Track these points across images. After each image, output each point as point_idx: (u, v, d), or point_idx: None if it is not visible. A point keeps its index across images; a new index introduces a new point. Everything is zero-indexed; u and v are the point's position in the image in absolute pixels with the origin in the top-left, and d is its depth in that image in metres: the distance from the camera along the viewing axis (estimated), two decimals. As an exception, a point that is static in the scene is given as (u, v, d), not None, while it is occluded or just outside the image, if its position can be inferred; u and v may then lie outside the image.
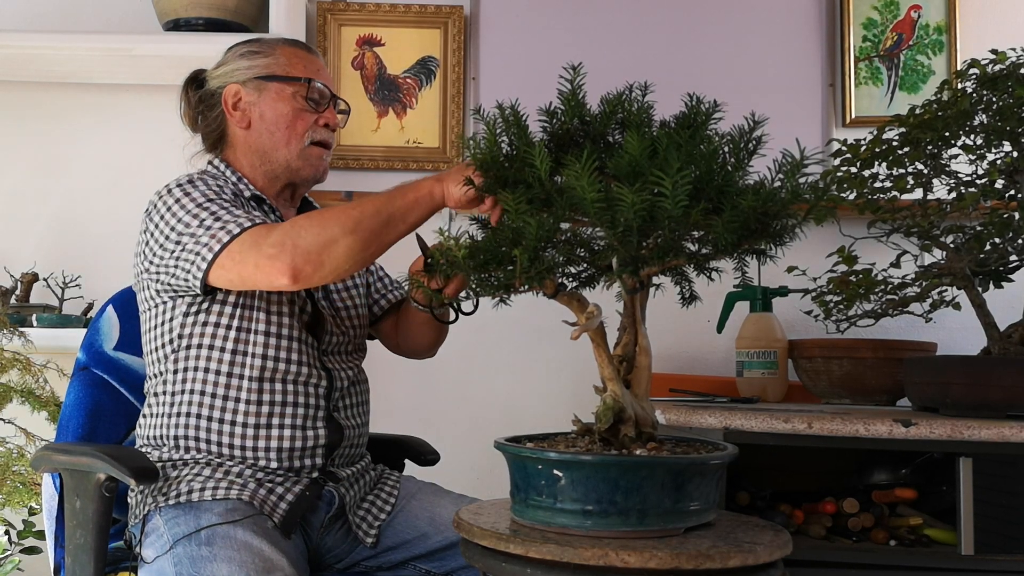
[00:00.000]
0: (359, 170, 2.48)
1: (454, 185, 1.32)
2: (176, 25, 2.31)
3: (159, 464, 1.44)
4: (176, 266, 1.38)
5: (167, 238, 1.39)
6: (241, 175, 1.53)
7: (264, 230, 1.32)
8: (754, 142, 1.16)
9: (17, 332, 2.07)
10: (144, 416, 1.51)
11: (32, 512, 2.15)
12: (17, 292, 2.37)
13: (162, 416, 1.46)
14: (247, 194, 1.51)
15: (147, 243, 1.43)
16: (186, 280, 1.37)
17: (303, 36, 2.45)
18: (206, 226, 1.35)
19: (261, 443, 1.43)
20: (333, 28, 2.49)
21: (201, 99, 1.57)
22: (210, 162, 1.57)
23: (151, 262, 1.42)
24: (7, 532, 2.16)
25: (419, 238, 1.48)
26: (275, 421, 1.43)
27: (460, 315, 1.52)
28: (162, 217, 1.41)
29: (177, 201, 1.40)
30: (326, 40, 2.48)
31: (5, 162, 2.48)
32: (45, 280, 2.40)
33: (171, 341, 1.45)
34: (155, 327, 1.47)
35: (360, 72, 2.49)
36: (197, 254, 1.34)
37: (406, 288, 1.69)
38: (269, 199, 1.54)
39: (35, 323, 2.25)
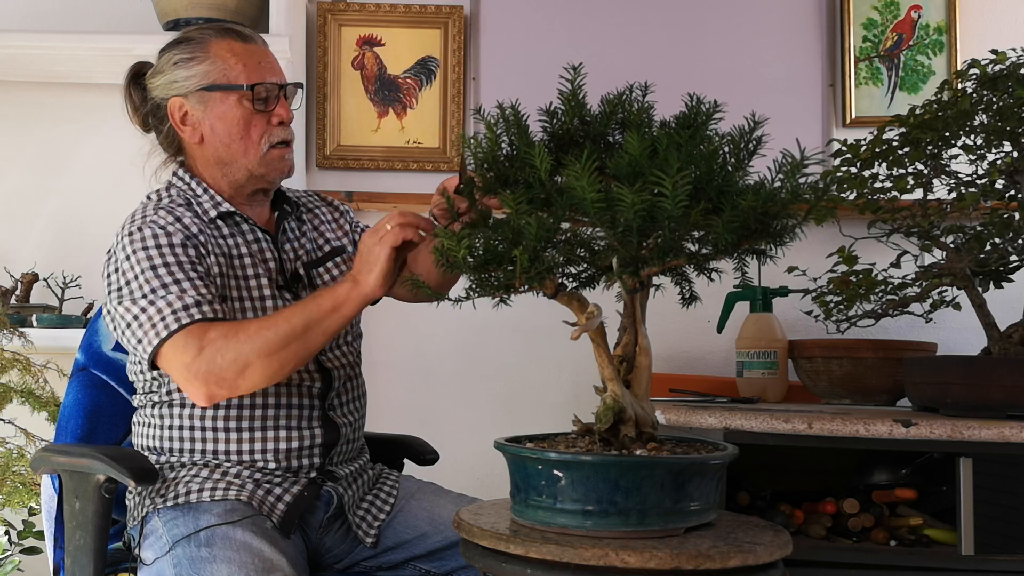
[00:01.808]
0: (359, 170, 2.48)
1: (368, 275, 1.31)
2: (176, 25, 2.30)
3: (157, 466, 1.44)
4: (123, 337, 1.38)
5: (119, 301, 1.37)
6: (207, 186, 1.50)
7: (194, 338, 1.30)
8: (754, 142, 1.16)
9: (17, 332, 2.06)
10: (136, 425, 1.51)
11: (32, 512, 2.14)
12: (17, 292, 2.37)
13: (154, 427, 1.46)
14: (212, 214, 1.47)
15: (107, 289, 1.41)
16: (134, 353, 1.38)
17: (303, 36, 2.45)
18: (147, 314, 1.33)
19: (257, 445, 1.42)
20: (333, 28, 2.49)
21: (148, 105, 1.52)
22: (175, 172, 1.53)
23: (108, 311, 1.41)
24: (7, 532, 2.16)
25: (462, 160, 1.40)
26: (270, 424, 1.43)
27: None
28: (117, 269, 1.39)
29: (128, 259, 1.38)
30: (326, 40, 2.48)
31: (5, 162, 2.48)
32: (45, 280, 2.40)
33: None
34: None
35: (360, 72, 2.49)
36: (139, 341, 1.34)
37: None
38: (238, 206, 1.50)
39: (35, 323, 2.24)
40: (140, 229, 1.40)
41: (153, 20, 2.38)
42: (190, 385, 1.31)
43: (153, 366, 1.36)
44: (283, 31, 2.22)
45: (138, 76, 1.54)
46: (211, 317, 1.33)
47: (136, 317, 1.35)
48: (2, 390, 2.00)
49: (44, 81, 2.44)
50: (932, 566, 1.62)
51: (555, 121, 1.21)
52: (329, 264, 1.59)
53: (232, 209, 1.49)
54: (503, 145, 1.18)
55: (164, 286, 1.35)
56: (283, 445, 1.43)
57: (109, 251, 1.44)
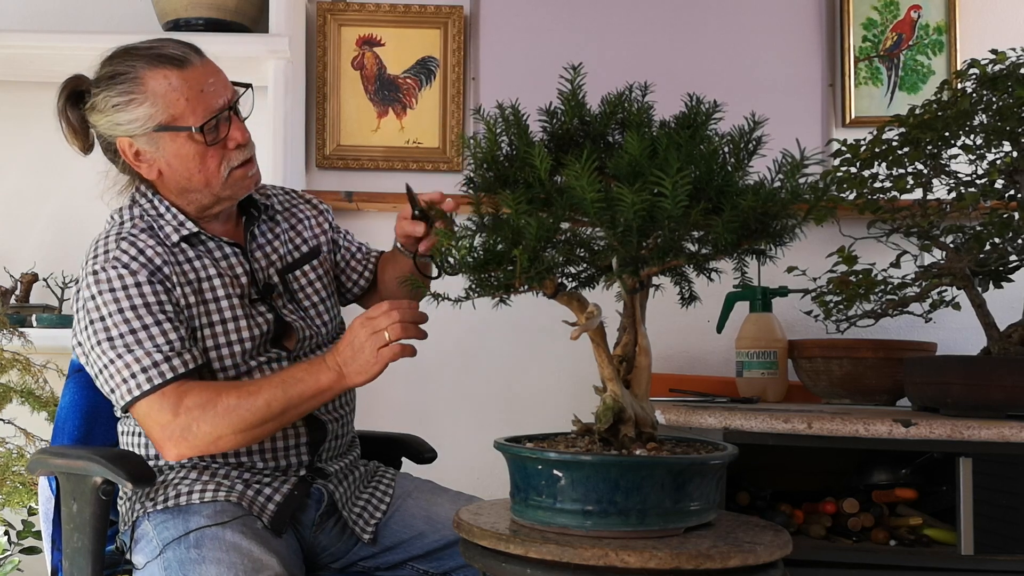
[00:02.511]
0: (359, 170, 2.48)
1: (356, 376, 1.33)
2: (176, 25, 2.31)
3: None
4: (96, 379, 1.38)
5: (90, 341, 1.36)
6: (169, 204, 1.45)
7: (169, 402, 1.31)
8: (754, 142, 1.16)
9: (17, 332, 2.07)
10: (122, 435, 1.50)
11: (32, 512, 2.15)
12: (17, 292, 2.37)
13: (139, 435, 1.45)
14: (174, 238, 1.43)
15: (76, 321, 1.40)
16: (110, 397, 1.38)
17: (303, 36, 2.45)
18: (117, 365, 1.33)
19: (243, 447, 1.41)
20: (333, 28, 2.49)
21: (91, 131, 1.46)
22: (138, 189, 1.48)
23: (80, 343, 1.40)
24: (7, 532, 2.16)
25: (408, 188, 1.42)
26: None
27: (443, 273, 1.49)
28: (84, 306, 1.38)
29: (94, 299, 1.36)
30: (326, 40, 2.48)
31: (5, 162, 2.48)
32: (45, 280, 2.40)
33: None
34: None
35: (360, 72, 2.49)
36: (112, 391, 1.35)
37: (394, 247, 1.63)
38: (204, 224, 1.47)
39: (35, 323, 2.25)
40: (104, 270, 1.37)
41: (153, 20, 2.38)
42: (162, 444, 1.33)
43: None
44: (283, 31, 2.22)
45: (75, 96, 1.46)
46: (183, 372, 1.34)
47: (107, 366, 1.34)
48: (2, 390, 2.00)
49: (44, 81, 2.44)
50: (932, 566, 1.62)
51: (555, 121, 1.21)
52: (306, 267, 1.57)
53: (195, 230, 1.45)
54: (503, 145, 1.18)
55: (133, 331, 1.34)
56: (268, 444, 1.43)
57: (78, 282, 1.42)
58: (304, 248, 1.59)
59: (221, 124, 1.41)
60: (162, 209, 1.46)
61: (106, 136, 1.44)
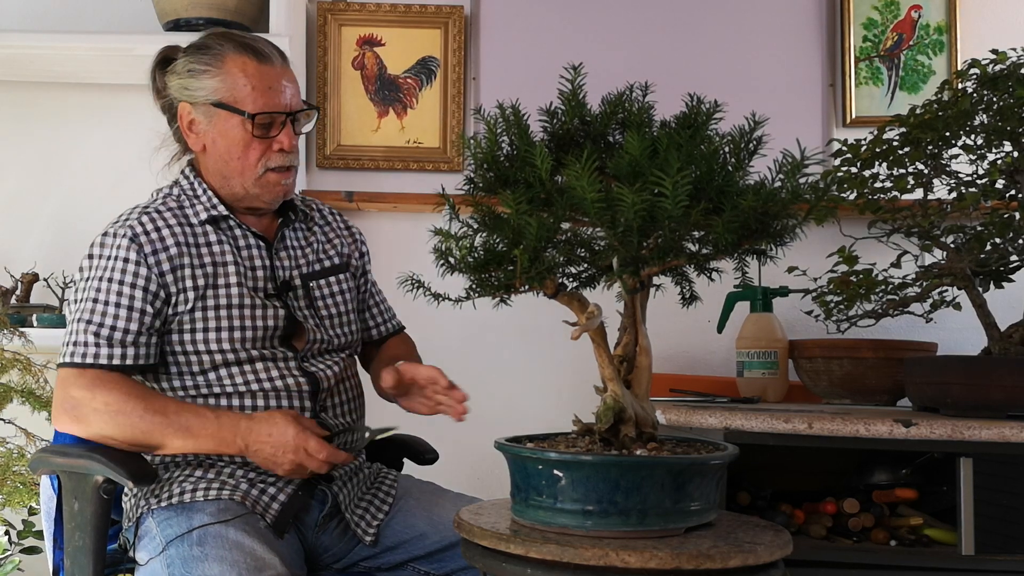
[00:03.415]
0: (359, 170, 2.48)
1: (259, 462, 1.38)
2: (176, 25, 2.31)
3: (152, 465, 1.44)
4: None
5: (75, 294, 1.46)
6: (207, 187, 1.51)
7: (84, 383, 1.37)
8: (754, 142, 1.16)
9: (17, 332, 2.07)
10: None
11: (32, 512, 2.15)
12: (17, 292, 2.37)
13: None
14: (203, 216, 1.48)
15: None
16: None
17: (303, 36, 2.45)
18: (72, 328, 1.41)
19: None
20: (333, 28, 2.49)
21: (167, 97, 1.53)
22: (183, 171, 1.55)
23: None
24: (7, 532, 2.16)
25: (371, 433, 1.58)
26: None
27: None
28: (86, 258, 1.46)
29: (89, 259, 1.45)
30: (326, 40, 2.48)
31: (5, 162, 2.48)
32: (45, 280, 2.40)
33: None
34: None
35: (360, 72, 2.49)
36: (63, 344, 1.42)
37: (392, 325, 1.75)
38: (236, 211, 1.52)
39: (35, 323, 2.24)
40: (111, 235, 1.44)
41: (153, 20, 2.38)
42: (59, 414, 1.39)
43: None
44: (283, 31, 2.22)
45: (165, 62, 1.54)
46: (115, 364, 1.38)
47: (69, 323, 1.43)
48: (2, 390, 2.00)
49: (44, 81, 2.44)
50: (932, 566, 1.62)
51: (555, 121, 1.21)
52: (331, 279, 1.59)
53: (225, 213, 1.49)
54: (503, 145, 1.18)
55: (95, 301, 1.41)
56: None
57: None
58: (334, 261, 1.61)
59: (275, 125, 1.47)
60: (199, 191, 1.51)
61: (173, 98, 1.51)
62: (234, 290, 1.46)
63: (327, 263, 1.60)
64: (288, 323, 1.48)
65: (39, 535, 2.13)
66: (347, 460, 1.40)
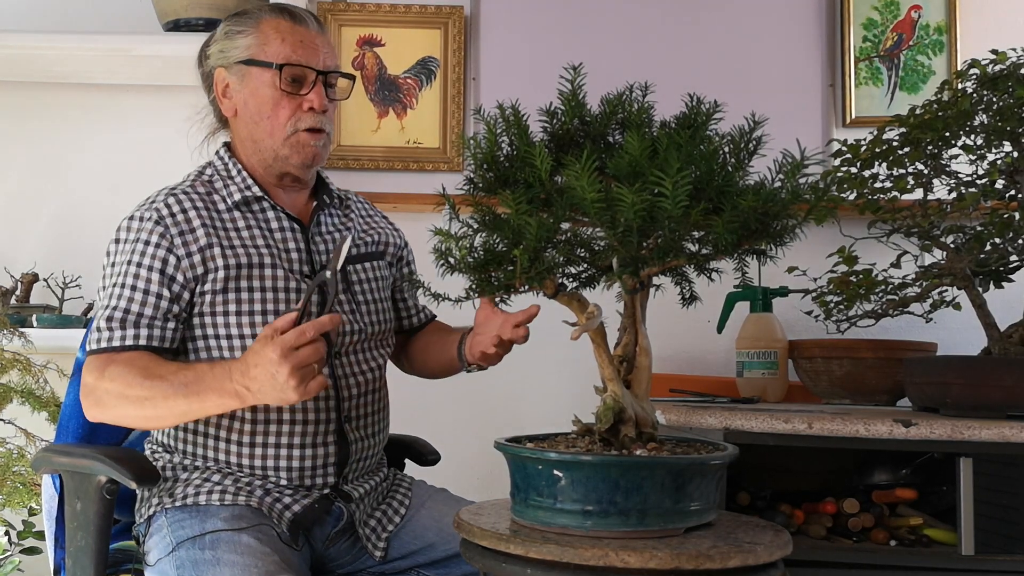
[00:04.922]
0: (359, 170, 2.48)
1: (292, 390, 1.21)
2: (176, 25, 2.31)
3: (170, 466, 1.44)
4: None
5: (103, 280, 1.45)
6: (241, 167, 1.49)
7: (95, 366, 1.35)
8: (754, 142, 1.16)
9: (17, 332, 2.06)
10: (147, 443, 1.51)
11: (32, 512, 2.14)
12: (17, 292, 2.37)
13: (159, 446, 1.46)
14: (236, 197, 1.46)
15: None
16: None
17: (303, 36, 2.44)
18: (98, 314, 1.40)
19: (270, 462, 1.40)
20: (333, 28, 2.49)
21: (205, 70, 1.53)
22: (217, 152, 1.54)
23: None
24: (7, 532, 2.16)
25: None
26: (283, 441, 1.41)
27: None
28: (114, 242, 1.45)
29: (116, 242, 1.44)
30: (326, 40, 2.48)
31: (5, 162, 2.48)
32: (45, 280, 2.40)
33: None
34: None
35: (360, 72, 2.49)
36: (88, 339, 1.42)
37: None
38: (270, 191, 1.49)
39: (35, 323, 2.24)
40: (138, 219, 1.43)
41: (153, 20, 2.38)
42: (83, 402, 1.38)
43: None
44: (283, 31, 2.22)
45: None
46: (129, 344, 1.36)
47: (98, 309, 1.42)
48: (2, 390, 2.00)
49: (44, 81, 2.44)
50: (932, 566, 1.62)
51: (555, 121, 1.21)
52: (368, 264, 1.56)
53: (260, 194, 1.47)
54: (503, 145, 1.18)
55: (114, 286, 1.40)
56: (296, 463, 1.41)
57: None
58: (372, 247, 1.59)
59: (305, 82, 1.45)
60: (234, 171, 1.49)
61: (211, 66, 1.51)
62: (267, 271, 1.42)
63: (363, 249, 1.57)
64: (321, 309, 1.43)
65: (39, 535, 2.13)
66: (335, 321, 1.25)
